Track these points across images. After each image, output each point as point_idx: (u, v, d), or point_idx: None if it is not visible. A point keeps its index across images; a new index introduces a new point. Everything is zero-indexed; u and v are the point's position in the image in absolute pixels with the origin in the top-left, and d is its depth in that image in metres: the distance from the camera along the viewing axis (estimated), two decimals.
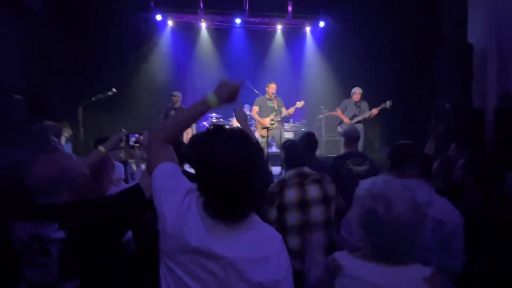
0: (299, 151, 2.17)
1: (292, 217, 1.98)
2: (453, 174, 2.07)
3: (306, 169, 2.12)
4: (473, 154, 2.08)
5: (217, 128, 0.94)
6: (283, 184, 2.04)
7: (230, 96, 1.08)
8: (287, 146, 2.21)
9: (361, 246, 1.00)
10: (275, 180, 2.20)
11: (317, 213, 1.99)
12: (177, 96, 5.96)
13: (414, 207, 0.92)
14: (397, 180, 0.99)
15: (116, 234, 1.28)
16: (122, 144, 1.87)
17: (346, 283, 0.92)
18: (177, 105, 5.87)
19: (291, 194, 2.00)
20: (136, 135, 1.96)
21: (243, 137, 0.92)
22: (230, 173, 0.86)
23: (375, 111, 5.17)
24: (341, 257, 0.98)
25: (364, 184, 1.00)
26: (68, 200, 1.21)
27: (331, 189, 2.08)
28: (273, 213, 1.99)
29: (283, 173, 2.27)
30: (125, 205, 1.27)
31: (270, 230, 0.97)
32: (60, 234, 1.11)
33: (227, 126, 0.96)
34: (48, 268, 1.11)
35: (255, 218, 0.96)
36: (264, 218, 1.95)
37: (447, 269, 1.47)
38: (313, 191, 2.03)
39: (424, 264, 0.96)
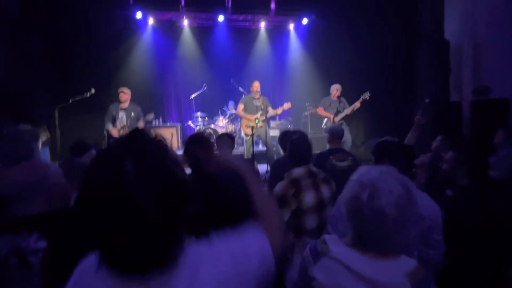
0: (307, 147, 2.01)
1: (311, 221, 1.88)
2: (441, 167, 2.08)
3: (312, 167, 2.01)
4: (462, 147, 2.12)
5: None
6: (297, 185, 1.89)
7: None
8: (295, 141, 2.00)
9: (346, 232, 0.99)
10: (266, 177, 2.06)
11: (328, 213, 1.90)
12: (127, 93, 4.97)
13: (404, 204, 0.88)
14: (394, 174, 0.94)
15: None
16: None
17: (330, 265, 0.92)
18: (126, 104, 4.95)
19: (309, 198, 1.88)
20: None
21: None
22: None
23: (357, 104, 5.24)
24: (330, 240, 0.98)
25: (360, 170, 0.98)
26: (46, 209, 1.14)
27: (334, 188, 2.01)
28: (285, 216, 1.84)
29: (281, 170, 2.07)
30: None
31: None
32: (41, 244, 1.05)
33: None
34: (31, 281, 1.05)
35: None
36: None
37: (428, 261, 1.51)
38: (325, 191, 1.95)
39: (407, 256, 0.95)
